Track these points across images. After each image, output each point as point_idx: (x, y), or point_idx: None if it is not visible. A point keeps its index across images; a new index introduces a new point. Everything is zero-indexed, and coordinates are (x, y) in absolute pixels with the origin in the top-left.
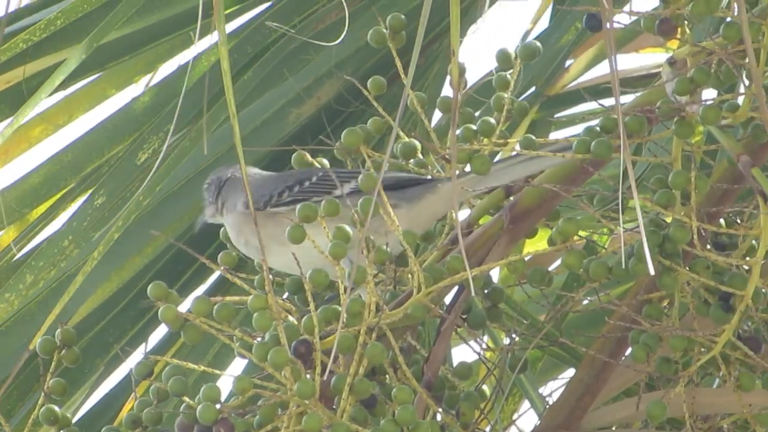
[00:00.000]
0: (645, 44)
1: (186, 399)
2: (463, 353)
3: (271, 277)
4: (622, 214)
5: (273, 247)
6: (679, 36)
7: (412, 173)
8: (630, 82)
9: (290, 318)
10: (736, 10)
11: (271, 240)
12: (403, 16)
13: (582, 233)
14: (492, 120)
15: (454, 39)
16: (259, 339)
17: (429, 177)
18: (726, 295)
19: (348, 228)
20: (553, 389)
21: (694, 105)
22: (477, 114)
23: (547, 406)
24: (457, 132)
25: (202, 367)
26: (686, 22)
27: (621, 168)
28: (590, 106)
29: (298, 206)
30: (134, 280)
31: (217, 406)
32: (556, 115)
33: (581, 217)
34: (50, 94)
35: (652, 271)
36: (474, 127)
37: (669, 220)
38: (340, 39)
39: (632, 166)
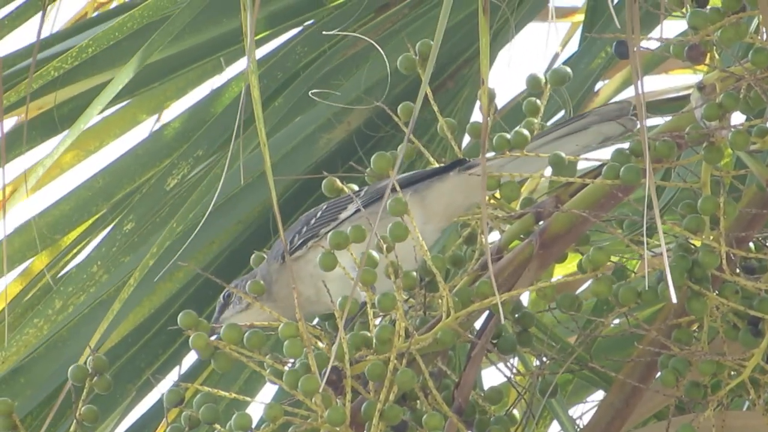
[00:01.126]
0: (674, 66)
1: (217, 426)
2: (493, 376)
3: None
4: (648, 239)
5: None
6: (707, 61)
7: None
8: (659, 105)
9: (320, 345)
10: (764, 35)
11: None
12: (431, 42)
13: (613, 258)
14: (525, 131)
15: (483, 67)
16: (289, 365)
17: (442, 165)
18: (755, 319)
19: (375, 254)
20: (583, 411)
21: (723, 130)
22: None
23: (578, 429)
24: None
25: (233, 395)
26: (715, 47)
27: (646, 194)
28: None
29: (329, 234)
30: (166, 306)
31: None
32: None
33: (610, 242)
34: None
35: (674, 299)
36: (507, 136)
37: (698, 244)
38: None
39: (661, 191)
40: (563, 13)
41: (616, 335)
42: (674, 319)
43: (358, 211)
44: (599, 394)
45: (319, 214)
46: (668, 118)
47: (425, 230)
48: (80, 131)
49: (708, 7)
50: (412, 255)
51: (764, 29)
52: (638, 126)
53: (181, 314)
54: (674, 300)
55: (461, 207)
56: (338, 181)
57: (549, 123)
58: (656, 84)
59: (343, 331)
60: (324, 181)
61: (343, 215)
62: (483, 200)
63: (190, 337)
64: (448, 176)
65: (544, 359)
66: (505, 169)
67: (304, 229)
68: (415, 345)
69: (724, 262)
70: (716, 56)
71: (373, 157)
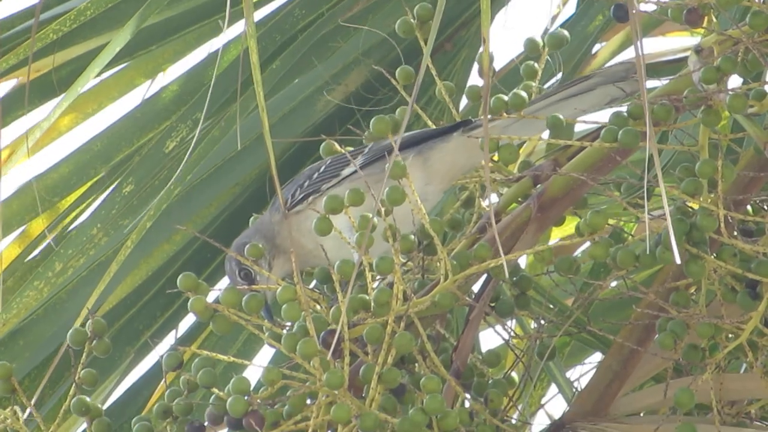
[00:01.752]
0: (671, 28)
1: (215, 390)
2: (491, 338)
3: None
4: (648, 201)
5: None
6: (705, 24)
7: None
8: (657, 67)
9: (318, 308)
10: None
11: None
12: (430, 6)
13: (610, 221)
14: (523, 93)
15: (484, 28)
16: (287, 328)
17: (445, 126)
18: (753, 282)
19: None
20: (581, 373)
21: (721, 93)
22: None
23: (575, 391)
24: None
25: (231, 358)
26: (712, 10)
27: (647, 156)
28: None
29: (324, 199)
30: (163, 268)
31: (246, 398)
32: None
33: (608, 205)
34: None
35: (678, 261)
36: (505, 98)
37: (696, 207)
38: (367, 26)
39: (658, 155)
40: None
41: (613, 298)
42: (672, 282)
43: (361, 168)
44: (597, 356)
45: (322, 169)
46: (666, 81)
47: (427, 191)
48: (77, 94)
49: None
50: (410, 217)
51: None
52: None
53: (180, 276)
54: (678, 261)
55: (464, 168)
56: (336, 144)
57: (546, 86)
58: (654, 46)
59: (341, 294)
60: (322, 144)
61: (346, 171)
62: (486, 162)
63: (189, 300)
64: (451, 137)
65: (542, 322)
66: (508, 131)
67: (306, 183)
68: (413, 308)
69: (722, 225)
70: (714, 19)
71: (372, 120)
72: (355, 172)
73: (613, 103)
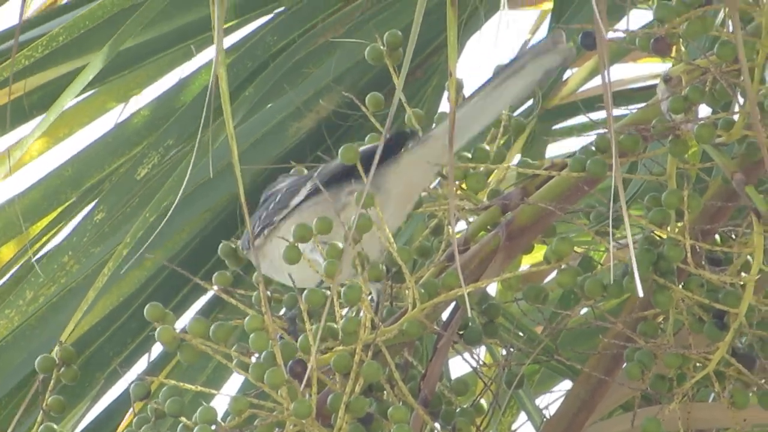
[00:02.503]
0: (642, 55)
1: (183, 419)
2: (461, 366)
3: (269, 293)
4: (615, 231)
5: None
6: (674, 54)
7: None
8: (627, 94)
9: (286, 336)
10: (730, 27)
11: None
12: (399, 33)
13: (578, 249)
14: (486, 147)
15: (451, 60)
16: (255, 357)
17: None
18: (720, 312)
19: (340, 244)
20: (549, 401)
21: (689, 123)
22: None
23: (544, 419)
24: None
25: (199, 387)
26: (681, 39)
27: (612, 186)
28: (591, 115)
29: (293, 227)
30: (135, 295)
31: (213, 427)
32: (555, 127)
33: (577, 233)
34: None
35: (641, 293)
36: (468, 155)
37: (664, 236)
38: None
39: (627, 184)
40: (532, 1)
41: (582, 327)
42: (640, 312)
43: (308, 198)
44: (566, 384)
45: (278, 198)
46: (633, 110)
47: (386, 217)
48: (50, 123)
49: None
50: (376, 241)
51: (730, 22)
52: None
53: (147, 306)
54: (641, 294)
55: (419, 185)
56: (306, 171)
57: (515, 113)
58: (624, 73)
59: (308, 323)
60: (292, 171)
61: (294, 201)
62: (451, 192)
63: (157, 330)
64: (401, 157)
65: (511, 350)
66: (458, 124)
67: (264, 215)
68: (381, 337)
69: (689, 255)
70: (682, 48)
71: (340, 149)
72: (303, 201)
73: (548, 75)
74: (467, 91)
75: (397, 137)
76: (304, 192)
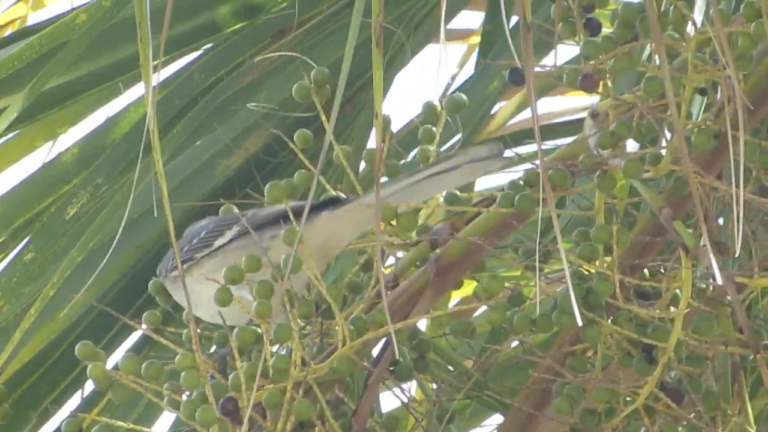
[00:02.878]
0: (570, 88)
1: None
2: (394, 400)
3: (199, 331)
4: (543, 266)
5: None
6: (601, 89)
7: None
8: (555, 128)
9: (217, 375)
10: (657, 62)
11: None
12: (326, 70)
13: (507, 285)
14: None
15: (377, 100)
16: (187, 394)
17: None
18: (649, 347)
19: (271, 282)
20: None
21: (616, 158)
22: (402, 163)
23: None
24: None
25: (131, 425)
26: (608, 74)
27: (539, 223)
28: (519, 149)
29: (224, 270)
30: (66, 332)
31: None
32: None
33: (507, 268)
34: None
35: (580, 323)
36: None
37: (592, 271)
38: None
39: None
40: (459, 35)
41: (511, 361)
42: (569, 347)
43: (232, 241)
44: (497, 418)
45: (202, 234)
46: (560, 144)
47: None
48: None
49: (601, 35)
50: (299, 279)
51: (656, 57)
52: (511, 157)
53: (78, 345)
54: (580, 323)
55: (335, 245)
56: (235, 208)
57: (443, 149)
58: (552, 106)
59: (239, 361)
60: (221, 208)
61: (218, 242)
62: (377, 229)
63: (88, 368)
64: (319, 216)
65: (442, 384)
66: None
67: (186, 248)
68: (311, 374)
69: (617, 289)
70: (609, 84)
71: (267, 186)
72: (228, 243)
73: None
74: (395, 127)
75: (332, 201)
76: (229, 234)
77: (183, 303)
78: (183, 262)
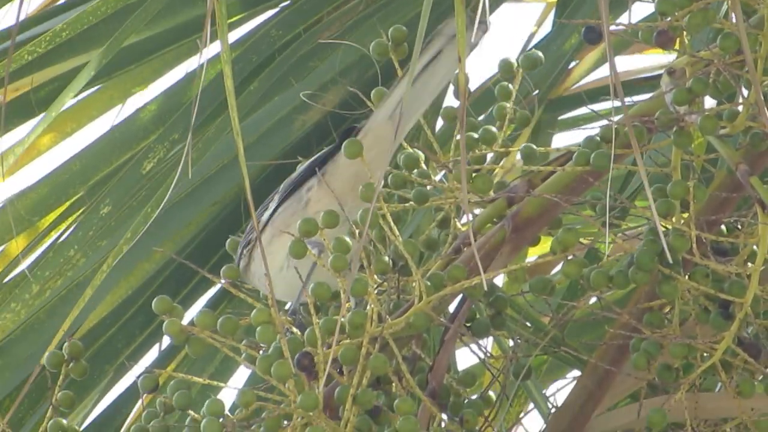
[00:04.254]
0: (648, 46)
1: (191, 412)
2: (470, 356)
3: None
4: (620, 222)
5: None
6: (677, 46)
7: None
8: (635, 84)
9: (293, 330)
10: (733, 19)
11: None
12: (404, 28)
13: (584, 240)
14: (494, 129)
15: (460, 47)
16: (263, 350)
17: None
18: (726, 302)
19: (347, 239)
20: (558, 388)
21: (693, 115)
22: (480, 119)
23: (552, 408)
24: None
25: (206, 380)
26: (684, 32)
27: (609, 180)
28: (596, 106)
29: (299, 222)
30: (143, 287)
31: (221, 420)
32: (560, 117)
33: (584, 225)
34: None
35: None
36: (475, 135)
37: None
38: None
39: (632, 176)
40: None
41: (588, 318)
42: (646, 303)
43: (275, 210)
44: (574, 374)
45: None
46: (640, 101)
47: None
48: (52, 118)
49: None
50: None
51: (733, 14)
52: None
53: (155, 300)
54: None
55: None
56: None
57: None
58: (631, 64)
59: (314, 316)
60: (298, 165)
61: (265, 217)
62: (464, 188)
63: (164, 323)
64: (339, 155)
65: (519, 341)
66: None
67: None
68: (387, 329)
69: (694, 245)
70: (685, 41)
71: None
72: (273, 214)
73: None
74: (473, 85)
75: (348, 131)
76: (272, 205)
77: (259, 286)
78: (244, 249)
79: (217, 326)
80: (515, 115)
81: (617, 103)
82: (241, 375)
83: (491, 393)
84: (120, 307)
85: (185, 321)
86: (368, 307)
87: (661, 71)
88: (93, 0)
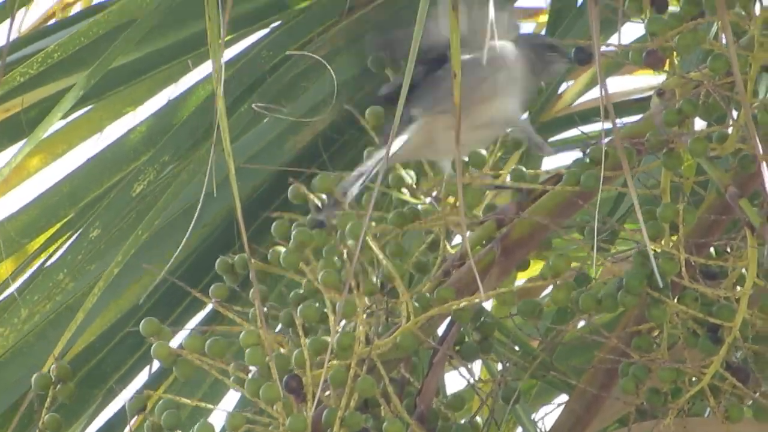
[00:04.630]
0: (637, 67)
1: None
2: (458, 381)
3: (265, 309)
4: (609, 246)
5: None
6: (667, 67)
7: None
8: (625, 106)
9: (282, 351)
10: (723, 40)
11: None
12: None
13: (574, 264)
14: (483, 152)
15: (455, 61)
16: (252, 372)
17: None
18: (714, 326)
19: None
20: (546, 413)
21: (683, 136)
22: None
23: None
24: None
25: (196, 402)
26: (674, 52)
27: (598, 203)
28: (587, 128)
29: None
30: (133, 310)
31: None
32: (551, 139)
33: (573, 248)
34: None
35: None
36: (465, 158)
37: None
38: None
39: (621, 198)
40: (528, 13)
41: (577, 341)
42: (634, 326)
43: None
44: (562, 398)
45: None
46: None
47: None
48: (39, 138)
49: (668, 11)
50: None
51: (723, 35)
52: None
53: (143, 322)
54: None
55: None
56: (303, 187)
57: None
58: (619, 85)
59: (303, 338)
60: (290, 188)
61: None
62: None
63: (152, 346)
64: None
65: (507, 364)
66: None
67: None
68: (375, 351)
69: (683, 269)
70: (675, 62)
71: (315, 178)
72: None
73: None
74: None
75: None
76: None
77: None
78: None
79: (205, 349)
80: (506, 137)
81: (608, 125)
82: (232, 398)
83: (478, 418)
84: (109, 331)
85: (175, 343)
86: (356, 328)
87: (651, 92)
88: (85, 21)
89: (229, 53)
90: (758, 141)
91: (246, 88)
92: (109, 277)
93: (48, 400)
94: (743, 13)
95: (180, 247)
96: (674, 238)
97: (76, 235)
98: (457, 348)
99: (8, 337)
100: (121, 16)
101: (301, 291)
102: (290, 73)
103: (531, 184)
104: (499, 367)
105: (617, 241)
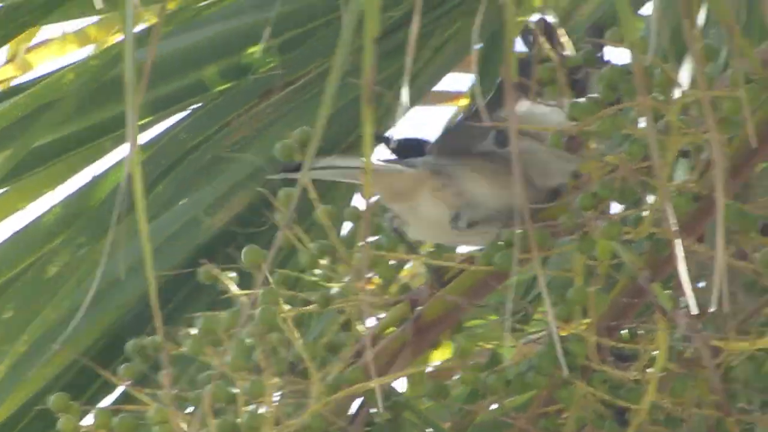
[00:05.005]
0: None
1: None
2: None
3: (175, 392)
4: (523, 327)
5: None
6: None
7: None
8: None
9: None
10: (641, 124)
11: None
12: (310, 130)
13: (487, 345)
14: None
15: (367, 159)
16: None
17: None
18: (622, 408)
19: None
20: None
21: (598, 220)
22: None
23: None
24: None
25: None
26: (592, 138)
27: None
28: None
29: None
30: (44, 391)
31: None
32: None
33: (487, 329)
34: None
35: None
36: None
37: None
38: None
39: (535, 280)
40: (449, 97)
41: (488, 423)
42: (543, 408)
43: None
44: None
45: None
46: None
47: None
48: None
49: (587, 97)
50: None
51: (641, 120)
52: None
53: (53, 396)
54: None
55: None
56: (215, 270)
57: None
58: None
59: (210, 420)
60: (201, 269)
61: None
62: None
63: (59, 422)
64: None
65: None
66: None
67: None
68: None
69: (592, 351)
70: (593, 145)
71: (243, 250)
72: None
73: None
74: None
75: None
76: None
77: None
78: None
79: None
80: None
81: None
82: None
83: None
84: (18, 412)
85: (85, 422)
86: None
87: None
88: (6, 101)
89: (148, 136)
90: (674, 224)
91: (164, 170)
92: (15, 355)
93: None
94: (661, 97)
95: (93, 329)
96: (586, 321)
97: None
98: (368, 429)
99: None
100: (40, 98)
101: (212, 371)
102: (207, 156)
103: (445, 262)
104: None
105: (531, 322)
